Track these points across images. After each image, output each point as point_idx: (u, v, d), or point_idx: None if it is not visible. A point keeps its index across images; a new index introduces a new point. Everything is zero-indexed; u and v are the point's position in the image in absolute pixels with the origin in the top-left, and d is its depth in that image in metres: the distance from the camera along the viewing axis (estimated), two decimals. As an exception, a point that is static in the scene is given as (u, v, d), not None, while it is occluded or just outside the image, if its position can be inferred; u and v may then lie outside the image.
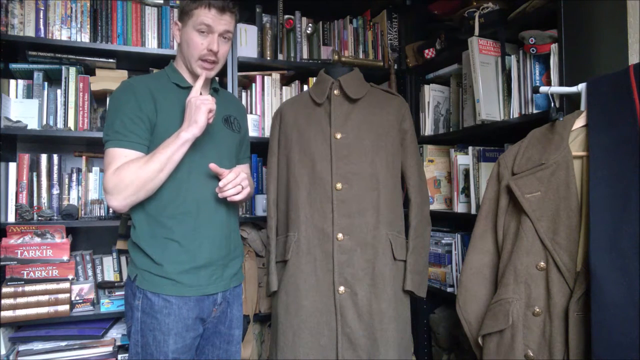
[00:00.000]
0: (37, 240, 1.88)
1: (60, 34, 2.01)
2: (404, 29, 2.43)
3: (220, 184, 1.33)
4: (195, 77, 1.42)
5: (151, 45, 2.11)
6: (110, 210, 2.05)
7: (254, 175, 2.19)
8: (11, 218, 1.91)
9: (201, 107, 1.29)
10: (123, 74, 2.11)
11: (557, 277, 1.31)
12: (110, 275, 2.12)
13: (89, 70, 2.09)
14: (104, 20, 2.05)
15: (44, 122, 1.99)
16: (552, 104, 1.47)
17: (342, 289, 1.59)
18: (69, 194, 2.04)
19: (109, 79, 2.07)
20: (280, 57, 2.29)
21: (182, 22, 1.39)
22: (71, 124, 1.99)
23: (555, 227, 1.32)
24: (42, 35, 1.98)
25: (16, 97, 1.99)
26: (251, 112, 2.21)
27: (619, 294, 1.16)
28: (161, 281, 1.31)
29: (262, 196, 2.16)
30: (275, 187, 1.74)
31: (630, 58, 1.59)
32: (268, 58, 2.26)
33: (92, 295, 1.97)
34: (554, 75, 1.56)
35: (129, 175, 1.26)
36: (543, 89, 1.49)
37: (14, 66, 1.99)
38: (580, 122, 1.36)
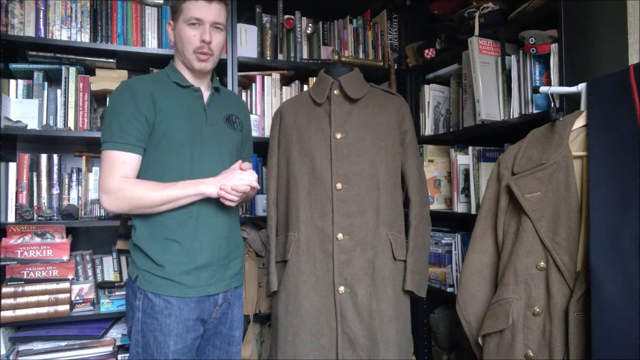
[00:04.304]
0: (37, 240, 1.88)
1: (60, 34, 2.01)
2: (404, 29, 2.43)
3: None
4: (195, 73, 1.42)
5: (151, 45, 2.11)
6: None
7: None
8: (11, 218, 1.91)
9: (238, 185, 1.32)
10: (123, 74, 2.11)
11: (557, 277, 1.31)
12: (110, 275, 2.12)
13: (89, 70, 2.09)
14: (104, 20, 2.05)
15: (44, 122, 1.98)
16: (552, 104, 1.47)
17: (342, 289, 1.59)
18: (69, 194, 2.04)
19: (109, 79, 2.07)
20: (280, 57, 2.29)
21: (174, 20, 1.41)
22: (71, 124, 1.99)
23: (555, 227, 1.32)
24: (42, 35, 1.98)
25: (16, 97, 1.99)
26: (251, 112, 2.21)
27: (619, 294, 1.16)
28: (162, 282, 1.32)
29: (262, 196, 2.16)
30: (275, 187, 1.74)
31: (630, 58, 1.58)
32: (268, 58, 2.26)
33: (92, 295, 1.97)
34: (554, 75, 1.56)
35: (133, 191, 1.29)
36: (543, 89, 1.49)
37: (14, 66, 1.99)
38: (580, 122, 1.36)
